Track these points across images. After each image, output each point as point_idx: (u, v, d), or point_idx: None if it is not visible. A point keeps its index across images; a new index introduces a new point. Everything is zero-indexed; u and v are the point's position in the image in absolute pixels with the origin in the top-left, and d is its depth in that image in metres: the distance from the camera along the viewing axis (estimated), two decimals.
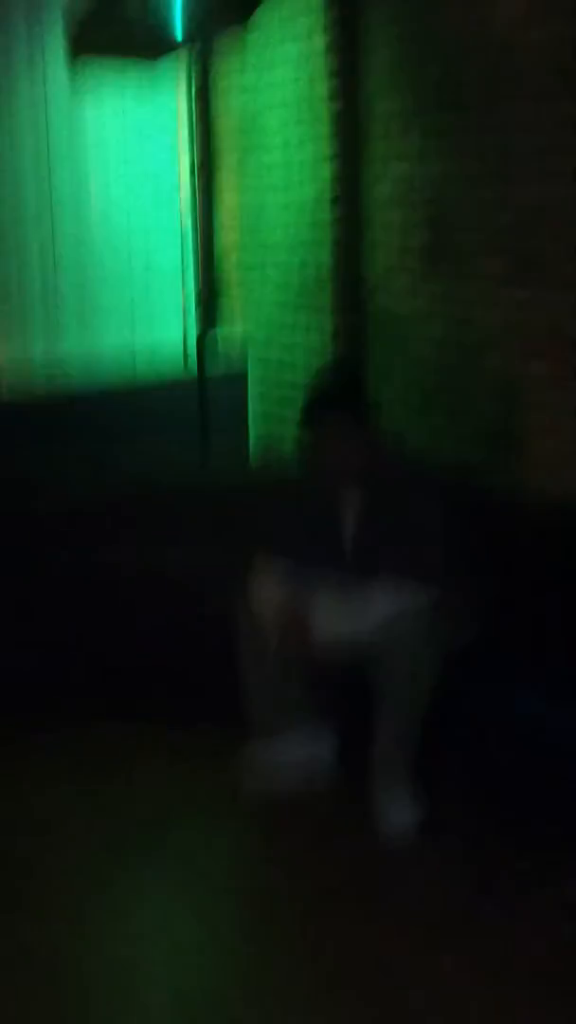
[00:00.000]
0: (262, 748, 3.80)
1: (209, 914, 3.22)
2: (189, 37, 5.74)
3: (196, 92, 6.43)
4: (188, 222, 6.64)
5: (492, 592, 3.68)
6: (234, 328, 6.61)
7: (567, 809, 3.42)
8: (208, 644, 4.04)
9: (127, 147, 6.48)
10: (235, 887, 3.35)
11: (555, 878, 3.25)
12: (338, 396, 3.75)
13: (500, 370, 4.86)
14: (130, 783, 3.83)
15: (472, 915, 3.12)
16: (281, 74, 6.01)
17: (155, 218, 6.59)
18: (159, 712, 4.14)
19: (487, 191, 4.80)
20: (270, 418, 6.45)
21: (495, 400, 4.89)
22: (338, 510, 3.78)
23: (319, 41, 5.65)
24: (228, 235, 6.61)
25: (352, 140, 5.61)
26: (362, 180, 5.61)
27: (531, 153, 4.53)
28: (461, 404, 5.09)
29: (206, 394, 6.06)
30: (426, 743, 3.53)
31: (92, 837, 3.53)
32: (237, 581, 3.77)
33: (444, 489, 3.77)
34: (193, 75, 6.44)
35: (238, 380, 6.52)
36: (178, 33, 5.50)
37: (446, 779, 3.66)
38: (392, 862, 3.43)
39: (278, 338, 6.32)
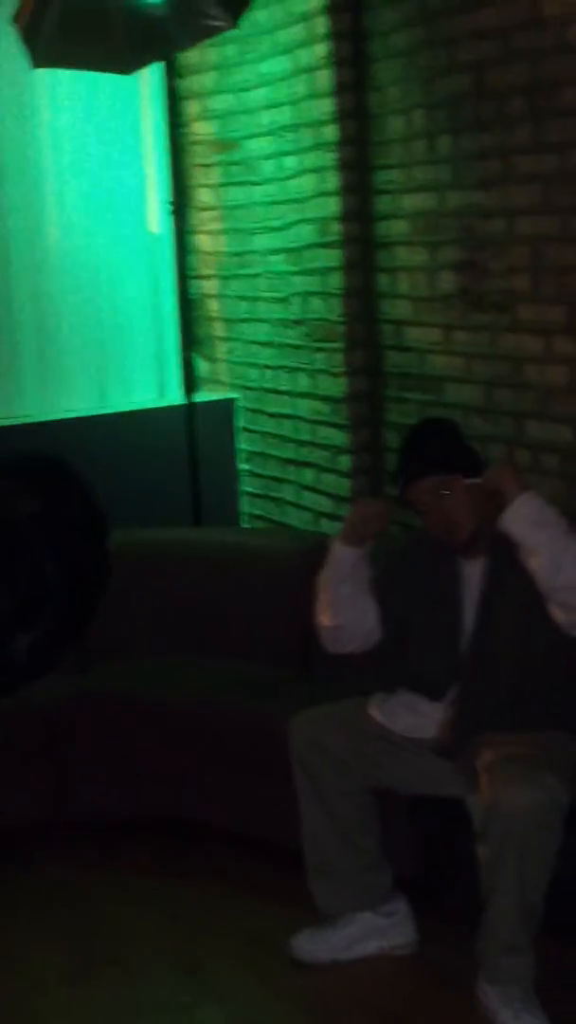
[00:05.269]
0: (320, 933, 3.21)
1: None
2: (163, 52, 4.84)
3: (167, 116, 5.45)
4: (159, 267, 5.64)
5: None
6: (218, 393, 5.62)
7: None
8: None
9: (89, 175, 5.50)
10: None
11: None
12: (449, 445, 3.17)
13: (563, 442, 3.93)
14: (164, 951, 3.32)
15: None
16: (268, 94, 5.09)
17: (122, 262, 5.59)
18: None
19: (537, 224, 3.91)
20: (261, 501, 5.47)
21: (558, 481, 3.96)
22: (456, 588, 3.16)
23: (316, 53, 4.74)
24: (207, 284, 5.65)
25: (360, 169, 4.70)
26: (372, 217, 4.69)
27: None
28: None
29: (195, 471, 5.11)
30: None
31: None
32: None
33: None
34: (164, 95, 5.47)
35: (227, 453, 5.51)
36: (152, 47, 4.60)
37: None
38: None
39: (269, 406, 5.35)
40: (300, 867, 3.27)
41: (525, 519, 2.94)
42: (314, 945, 3.23)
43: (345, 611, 3.24)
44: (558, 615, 2.93)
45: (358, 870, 3.22)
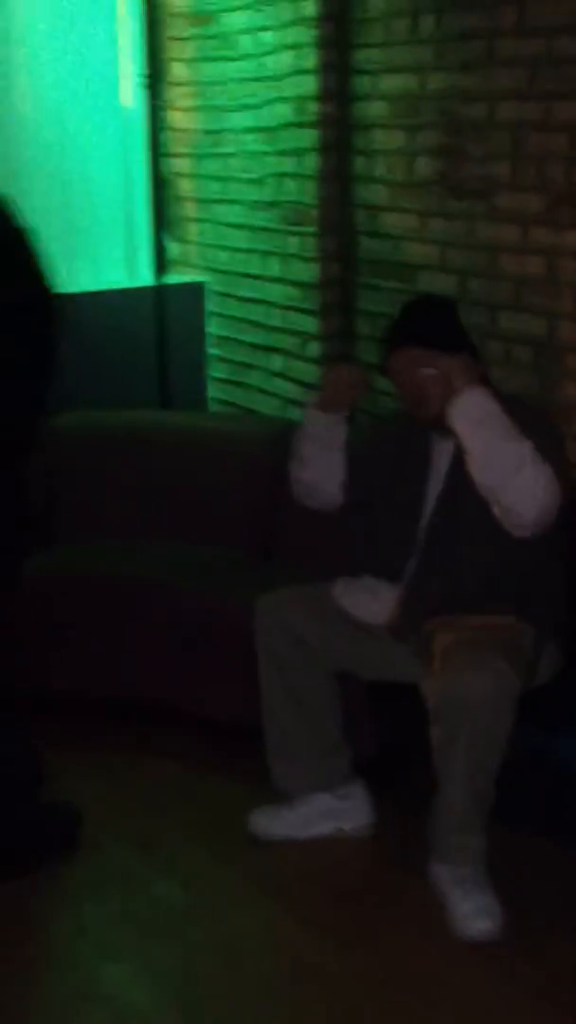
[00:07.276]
0: (277, 812, 3.29)
1: None
2: None
3: None
4: (131, 144, 5.50)
5: None
6: (188, 276, 5.53)
7: None
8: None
9: (59, 48, 5.30)
10: None
11: None
12: (439, 323, 3.20)
13: (536, 335, 3.90)
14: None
15: None
16: None
17: (93, 137, 5.43)
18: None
19: (520, 110, 3.82)
20: (229, 386, 5.42)
21: (530, 374, 3.93)
22: (423, 467, 3.20)
23: None
24: (179, 163, 5.53)
25: (339, 48, 4.57)
26: (350, 98, 4.58)
27: None
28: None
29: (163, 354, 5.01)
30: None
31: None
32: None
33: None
34: None
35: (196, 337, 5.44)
36: None
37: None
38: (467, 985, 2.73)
39: (239, 290, 5.28)
40: (261, 748, 3.31)
41: (465, 414, 2.98)
42: (270, 822, 3.29)
43: (313, 468, 3.32)
44: (495, 511, 2.95)
45: (317, 752, 3.27)
